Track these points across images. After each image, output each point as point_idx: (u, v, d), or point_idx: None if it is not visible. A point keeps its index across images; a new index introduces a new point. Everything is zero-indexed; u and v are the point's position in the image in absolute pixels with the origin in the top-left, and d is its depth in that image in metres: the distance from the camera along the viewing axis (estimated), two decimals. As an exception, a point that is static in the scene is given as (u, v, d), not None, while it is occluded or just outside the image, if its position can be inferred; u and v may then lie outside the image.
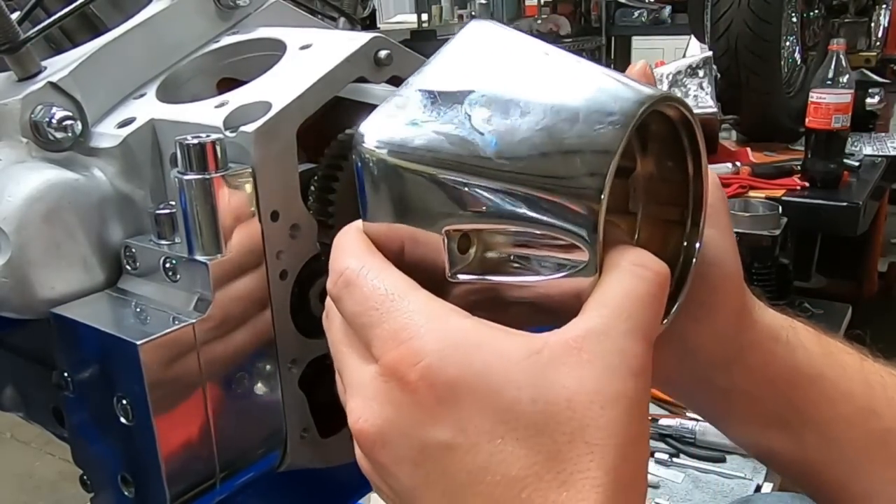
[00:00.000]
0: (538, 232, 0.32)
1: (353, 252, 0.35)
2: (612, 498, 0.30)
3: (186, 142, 0.40)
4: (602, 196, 0.31)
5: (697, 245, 0.40)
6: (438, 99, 0.34)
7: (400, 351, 0.32)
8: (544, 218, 0.32)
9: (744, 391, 0.46)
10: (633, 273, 0.33)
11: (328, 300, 0.37)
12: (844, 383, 0.46)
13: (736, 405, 0.47)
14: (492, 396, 0.30)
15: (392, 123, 0.34)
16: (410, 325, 0.32)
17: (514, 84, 0.34)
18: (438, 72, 0.35)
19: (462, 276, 0.34)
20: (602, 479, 0.30)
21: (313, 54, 0.48)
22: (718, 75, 2.21)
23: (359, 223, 0.37)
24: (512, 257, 0.35)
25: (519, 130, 0.33)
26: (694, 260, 0.40)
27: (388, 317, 0.33)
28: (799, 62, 2.64)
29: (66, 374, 0.43)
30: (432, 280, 0.34)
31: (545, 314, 0.34)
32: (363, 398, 0.33)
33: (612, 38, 6.19)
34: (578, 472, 0.30)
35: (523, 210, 0.32)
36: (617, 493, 0.30)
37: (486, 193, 0.33)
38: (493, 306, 0.34)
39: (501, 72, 0.35)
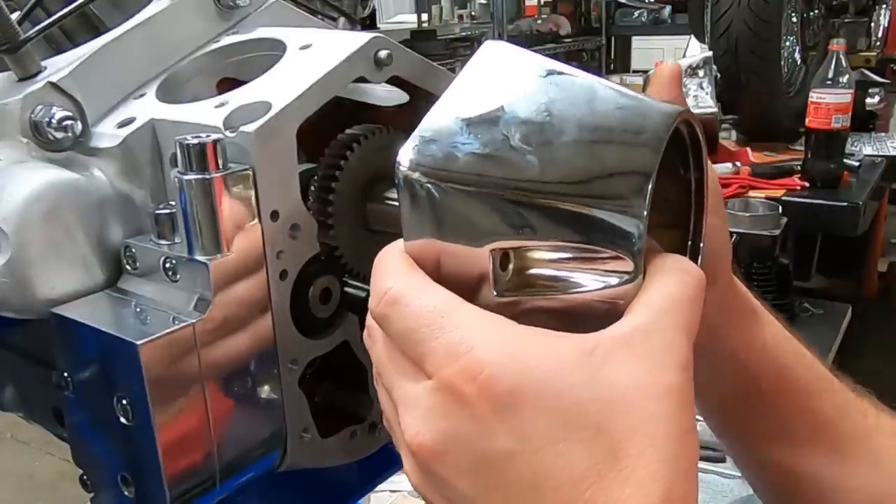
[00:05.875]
0: (581, 245, 0.34)
1: (395, 271, 0.36)
2: (672, 489, 0.30)
3: (186, 142, 0.40)
4: (645, 210, 0.32)
5: (700, 249, 0.41)
6: (474, 121, 0.35)
7: (458, 365, 0.32)
8: (590, 233, 0.33)
9: (723, 356, 0.49)
10: (675, 276, 0.35)
11: (369, 320, 0.37)
12: (800, 369, 0.50)
13: (714, 369, 0.50)
14: (552, 401, 0.31)
15: (433, 148, 0.35)
16: (465, 338, 0.33)
17: (543, 104, 0.35)
18: (465, 94, 0.36)
19: (509, 294, 0.35)
20: (662, 472, 0.30)
21: (313, 54, 0.48)
22: (718, 75, 2.21)
23: (399, 243, 0.37)
24: (550, 270, 0.36)
25: (559, 149, 0.34)
26: (700, 258, 0.41)
27: (441, 332, 0.33)
28: (799, 62, 2.64)
29: (66, 374, 0.43)
30: (469, 293, 0.35)
31: (581, 322, 0.34)
32: (418, 414, 0.34)
33: (612, 38, 6.20)
34: (640, 466, 0.30)
35: (570, 226, 0.34)
36: (676, 483, 0.31)
37: (532, 212, 0.34)
38: (529, 318, 0.34)
39: (527, 92, 0.36)
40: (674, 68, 0.45)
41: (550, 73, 0.36)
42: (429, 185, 0.35)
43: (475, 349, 0.32)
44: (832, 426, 0.49)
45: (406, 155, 0.35)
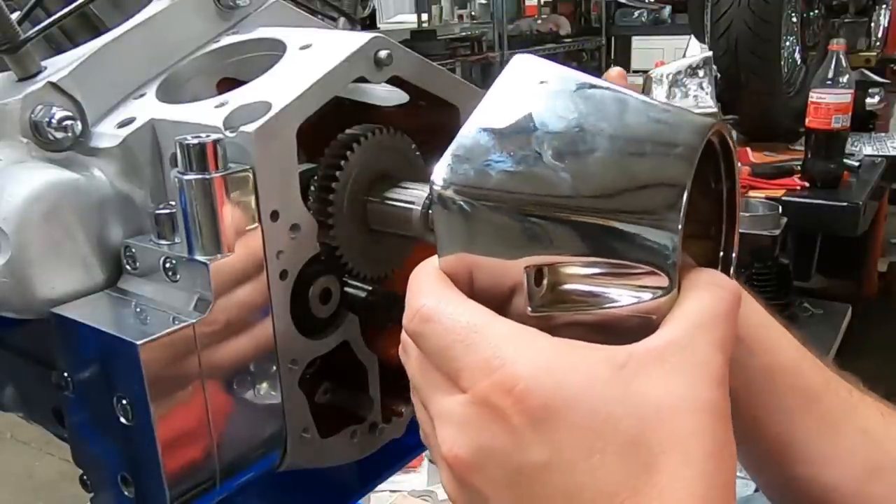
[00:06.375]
0: (616, 260, 0.34)
1: (428, 288, 0.36)
2: None
3: (186, 142, 0.40)
4: (680, 224, 0.32)
5: (732, 259, 0.41)
6: (505, 138, 0.36)
7: (493, 379, 0.32)
8: (625, 247, 0.33)
9: None
10: (710, 291, 0.35)
11: (404, 336, 0.38)
12: (783, 339, 0.50)
13: None
14: (585, 414, 0.31)
15: (467, 166, 0.36)
16: (498, 353, 0.33)
17: (574, 119, 0.35)
18: (496, 111, 0.37)
19: (544, 309, 0.35)
20: (700, 490, 0.30)
21: (313, 54, 0.48)
22: (718, 75, 2.21)
23: (433, 260, 0.37)
24: (585, 285, 0.36)
25: (592, 165, 0.34)
26: (731, 269, 0.41)
27: (475, 347, 0.33)
28: (799, 62, 2.64)
29: (66, 374, 0.43)
30: (502, 305, 0.35)
31: (615, 336, 0.34)
32: (454, 427, 0.34)
33: (612, 38, 6.20)
34: (675, 481, 0.30)
35: (604, 241, 0.34)
36: (712, 500, 0.31)
37: (566, 228, 0.34)
38: (563, 332, 0.34)
39: (558, 107, 0.36)
40: (620, 72, 0.46)
41: (581, 86, 0.36)
42: (462, 203, 0.35)
43: (509, 363, 0.32)
44: (817, 400, 0.49)
45: (440, 173, 0.36)
